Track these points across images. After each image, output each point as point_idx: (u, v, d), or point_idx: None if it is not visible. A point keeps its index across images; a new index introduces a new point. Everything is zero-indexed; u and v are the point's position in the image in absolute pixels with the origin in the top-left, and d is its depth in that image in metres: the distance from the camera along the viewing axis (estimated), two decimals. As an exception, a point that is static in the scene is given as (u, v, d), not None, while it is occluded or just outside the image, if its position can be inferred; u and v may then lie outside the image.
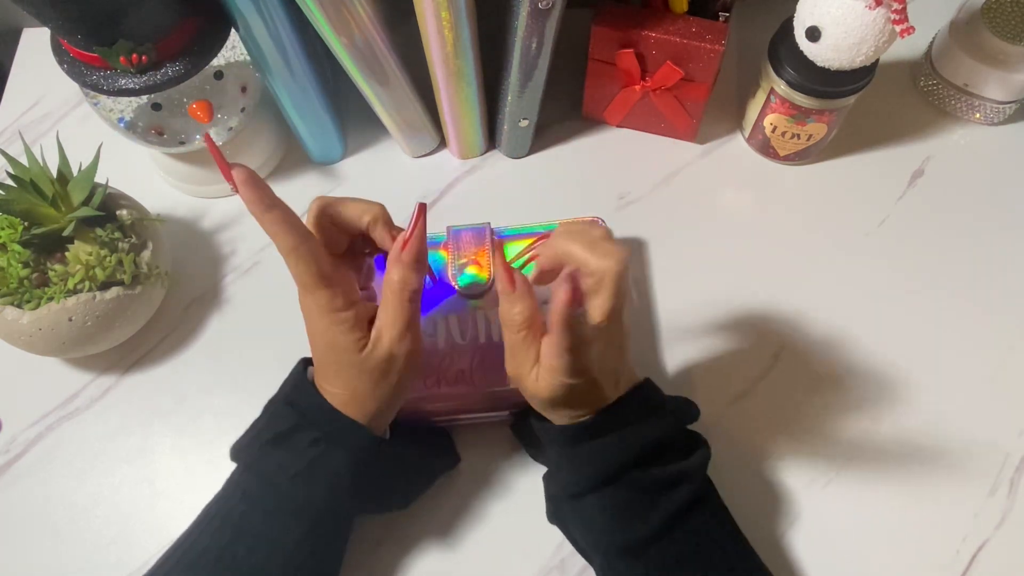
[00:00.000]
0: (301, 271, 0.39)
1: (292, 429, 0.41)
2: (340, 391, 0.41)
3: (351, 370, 0.41)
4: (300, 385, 0.43)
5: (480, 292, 0.52)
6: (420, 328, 0.42)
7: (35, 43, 0.72)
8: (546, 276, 0.43)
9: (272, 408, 0.44)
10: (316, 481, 0.41)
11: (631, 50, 0.56)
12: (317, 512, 0.42)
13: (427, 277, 0.42)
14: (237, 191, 0.37)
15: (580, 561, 0.48)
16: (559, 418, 0.43)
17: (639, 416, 0.42)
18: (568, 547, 0.48)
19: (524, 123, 0.60)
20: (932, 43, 0.65)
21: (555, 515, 0.46)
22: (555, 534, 0.48)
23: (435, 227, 0.52)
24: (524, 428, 0.49)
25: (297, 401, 0.42)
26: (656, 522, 0.41)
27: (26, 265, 0.51)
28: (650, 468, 0.41)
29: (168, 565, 0.42)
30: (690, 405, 0.45)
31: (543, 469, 0.51)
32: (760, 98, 0.59)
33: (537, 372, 0.40)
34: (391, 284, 0.40)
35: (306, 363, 0.45)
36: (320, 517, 0.42)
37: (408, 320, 0.41)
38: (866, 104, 0.61)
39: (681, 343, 0.55)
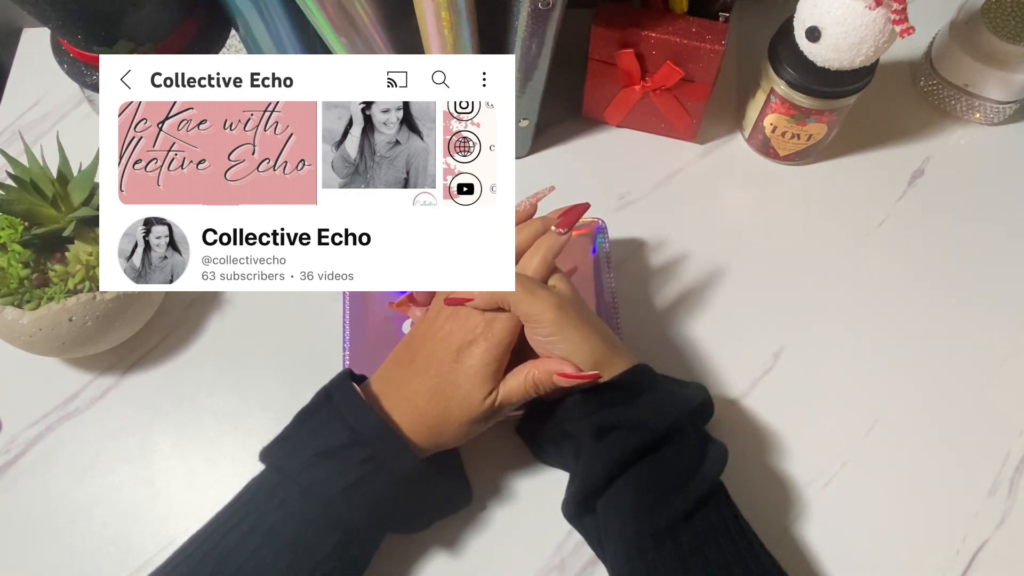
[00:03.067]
0: (489, 363, 0.42)
1: (343, 445, 0.41)
2: (422, 412, 0.43)
3: (458, 418, 0.43)
4: (353, 403, 0.43)
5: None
6: None
7: (35, 43, 0.72)
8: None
9: (317, 420, 0.43)
10: (359, 498, 0.41)
11: (631, 50, 0.56)
12: (352, 527, 0.42)
13: None
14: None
15: (580, 561, 0.48)
16: (581, 359, 0.43)
17: (670, 380, 0.46)
18: (568, 547, 0.48)
19: (524, 123, 0.60)
20: (932, 43, 0.65)
21: (583, 506, 0.45)
22: (555, 534, 0.48)
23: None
24: (530, 429, 0.49)
25: (351, 419, 0.42)
26: (696, 493, 0.42)
27: (26, 265, 0.51)
28: (687, 440, 0.43)
29: (190, 563, 0.41)
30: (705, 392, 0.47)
31: (544, 469, 0.51)
32: (760, 98, 0.59)
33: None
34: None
35: (350, 377, 0.45)
36: (354, 532, 0.42)
37: None
38: (866, 104, 0.61)
39: (681, 342, 0.55)
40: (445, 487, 0.47)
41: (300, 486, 0.41)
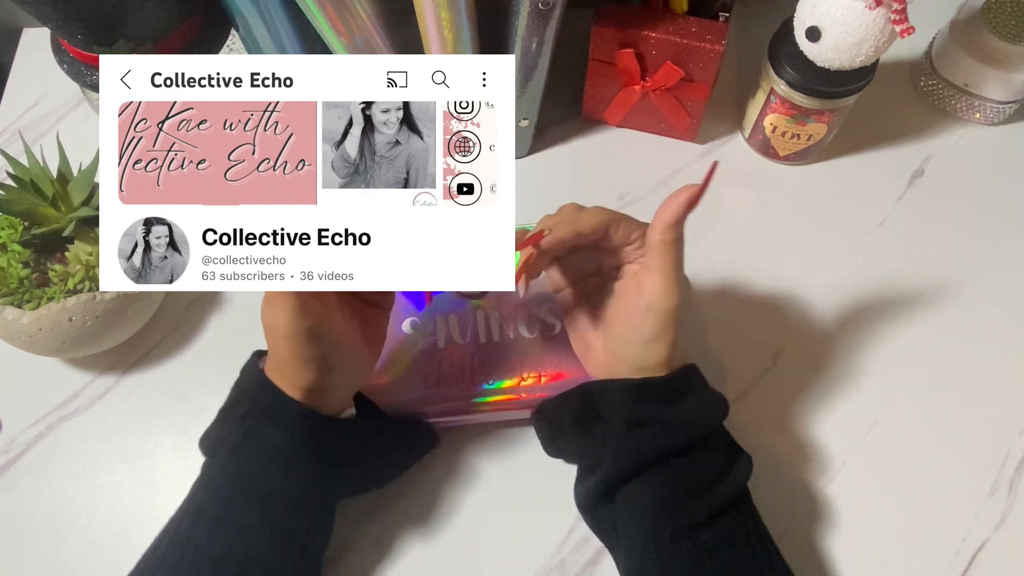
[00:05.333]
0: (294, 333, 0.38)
1: (230, 404, 0.43)
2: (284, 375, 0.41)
3: (289, 357, 0.40)
4: (247, 367, 0.44)
5: (480, 291, 0.52)
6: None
7: (35, 43, 0.72)
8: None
9: (230, 395, 0.45)
10: (256, 457, 0.40)
11: (631, 50, 0.56)
12: (271, 494, 0.41)
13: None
14: None
15: (580, 561, 0.48)
16: (654, 353, 0.43)
17: (709, 388, 0.45)
18: (568, 547, 0.48)
19: (524, 123, 0.61)
20: (932, 43, 0.65)
21: (604, 495, 0.44)
22: (555, 534, 0.48)
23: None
24: (554, 411, 0.48)
25: (242, 381, 0.44)
26: (722, 498, 0.41)
27: (26, 265, 0.51)
28: (718, 445, 0.43)
29: (156, 555, 0.42)
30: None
31: (544, 470, 0.50)
32: (760, 98, 0.59)
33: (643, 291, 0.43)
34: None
35: (260, 354, 0.45)
36: (275, 501, 0.41)
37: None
38: (866, 104, 0.61)
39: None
40: (392, 437, 0.47)
41: (207, 455, 0.42)
